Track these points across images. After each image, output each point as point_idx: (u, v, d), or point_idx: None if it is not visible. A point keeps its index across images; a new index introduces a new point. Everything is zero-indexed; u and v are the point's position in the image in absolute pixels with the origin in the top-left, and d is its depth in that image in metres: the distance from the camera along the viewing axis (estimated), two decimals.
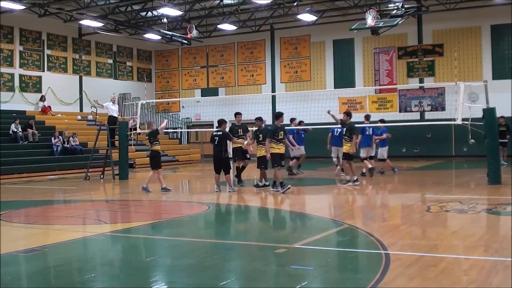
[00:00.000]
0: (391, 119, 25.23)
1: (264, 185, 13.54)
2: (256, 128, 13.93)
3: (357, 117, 20.63)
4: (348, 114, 14.42)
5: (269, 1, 23.96)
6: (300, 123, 18.10)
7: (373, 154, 17.07)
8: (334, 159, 17.12)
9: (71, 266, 6.30)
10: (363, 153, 16.57)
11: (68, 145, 22.80)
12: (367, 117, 17.50)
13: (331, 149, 17.02)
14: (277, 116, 13.56)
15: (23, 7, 22.97)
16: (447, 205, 10.12)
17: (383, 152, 17.36)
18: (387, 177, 16.60)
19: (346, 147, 14.03)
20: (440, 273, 5.36)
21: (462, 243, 6.96)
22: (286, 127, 14.37)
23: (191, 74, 32.68)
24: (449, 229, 8.15)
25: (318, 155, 21.17)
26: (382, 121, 17.65)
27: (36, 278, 5.79)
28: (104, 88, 28.90)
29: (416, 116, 26.76)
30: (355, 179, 13.97)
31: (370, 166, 16.38)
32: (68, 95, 27.90)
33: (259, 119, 14.03)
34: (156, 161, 13.92)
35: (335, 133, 16.53)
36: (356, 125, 16.01)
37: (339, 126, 16.62)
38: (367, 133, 16.62)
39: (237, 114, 15.06)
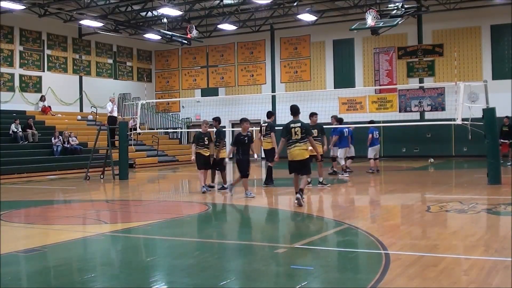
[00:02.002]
0: (391, 119, 25.31)
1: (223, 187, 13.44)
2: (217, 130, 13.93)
3: (357, 117, 20.67)
4: (314, 114, 14.50)
5: (269, 1, 23.96)
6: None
7: (352, 155, 17.57)
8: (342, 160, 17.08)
9: (71, 266, 6.30)
10: (342, 153, 16.82)
11: (68, 145, 22.80)
12: (340, 120, 17.76)
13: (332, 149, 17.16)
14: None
15: (23, 7, 22.98)
16: (447, 205, 10.12)
17: (370, 151, 17.54)
18: (386, 177, 16.62)
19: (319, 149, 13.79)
20: (440, 273, 5.36)
21: (462, 243, 6.96)
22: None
23: (191, 74, 32.69)
24: (449, 229, 8.15)
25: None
26: (371, 122, 17.99)
27: (36, 278, 5.79)
28: (104, 88, 28.92)
29: (416, 116, 26.78)
30: (321, 180, 13.91)
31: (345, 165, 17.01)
32: (68, 95, 27.91)
33: (217, 119, 14.07)
34: (197, 162, 13.21)
35: (345, 134, 16.86)
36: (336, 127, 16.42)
37: (346, 126, 16.90)
38: (345, 134, 17.03)
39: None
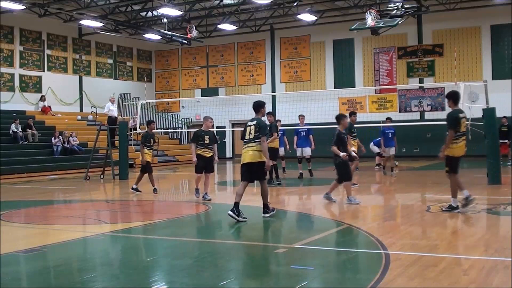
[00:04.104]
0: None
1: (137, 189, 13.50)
2: (145, 131, 13.98)
3: (358, 117, 20.65)
4: (353, 113, 14.38)
5: (269, 1, 23.96)
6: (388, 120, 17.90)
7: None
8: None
9: (71, 266, 6.30)
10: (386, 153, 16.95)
11: (68, 145, 22.80)
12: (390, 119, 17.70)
13: (384, 150, 17.18)
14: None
15: (23, 7, 22.98)
16: (447, 205, 10.10)
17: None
18: (386, 177, 16.63)
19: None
20: (440, 273, 5.36)
21: (462, 243, 6.96)
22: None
23: (191, 74, 32.69)
24: (449, 229, 8.15)
25: (318, 155, 21.14)
26: (389, 119, 17.96)
27: (36, 278, 5.79)
28: (104, 88, 28.92)
29: (416, 116, 26.76)
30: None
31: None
32: (68, 95, 27.92)
33: (151, 122, 14.15)
34: (196, 164, 11.94)
35: (389, 135, 16.98)
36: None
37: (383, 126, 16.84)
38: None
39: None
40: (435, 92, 26.46)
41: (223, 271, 5.86)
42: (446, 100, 9.56)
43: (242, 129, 9.47)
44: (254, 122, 9.22)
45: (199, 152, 11.66)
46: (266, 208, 9.24)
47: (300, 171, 16.54)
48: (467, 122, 13.82)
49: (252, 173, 9.11)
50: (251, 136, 9.10)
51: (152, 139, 13.76)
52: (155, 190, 13.46)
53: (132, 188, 13.63)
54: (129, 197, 13.70)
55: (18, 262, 6.43)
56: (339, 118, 10.95)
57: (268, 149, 14.41)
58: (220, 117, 28.30)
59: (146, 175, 13.65)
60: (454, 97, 9.43)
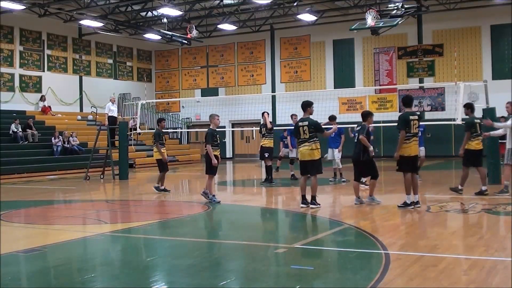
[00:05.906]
0: (391, 119, 25.28)
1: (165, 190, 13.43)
2: (157, 129, 14.12)
3: (358, 117, 20.65)
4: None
5: (269, 1, 23.96)
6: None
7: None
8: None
9: (71, 266, 6.30)
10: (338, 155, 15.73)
11: (68, 145, 22.80)
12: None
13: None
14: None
15: (23, 7, 22.98)
16: (447, 205, 10.13)
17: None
18: (386, 177, 16.62)
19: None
20: (440, 273, 5.36)
21: (462, 243, 6.96)
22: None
23: (191, 74, 32.69)
24: (449, 229, 8.15)
25: None
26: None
27: (36, 278, 5.79)
28: (104, 88, 28.91)
29: None
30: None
31: None
32: (68, 95, 27.92)
33: (162, 119, 14.39)
34: (211, 166, 11.18)
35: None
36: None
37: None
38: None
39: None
40: (435, 92, 26.46)
41: (223, 271, 5.86)
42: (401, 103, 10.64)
43: (294, 127, 10.45)
44: (306, 122, 9.95)
45: (215, 153, 11.06)
46: (313, 200, 10.02)
47: (292, 172, 15.98)
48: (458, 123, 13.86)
49: (307, 169, 9.97)
50: (306, 136, 9.90)
51: (163, 137, 13.90)
52: (165, 190, 13.44)
53: (159, 189, 13.45)
54: (129, 197, 13.71)
55: (18, 262, 6.43)
56: (366, 115, 11.02)
57: (264, 148, 14.74)
58: (220, 117, 28.19)
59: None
60: (405, 100, 10.32)
